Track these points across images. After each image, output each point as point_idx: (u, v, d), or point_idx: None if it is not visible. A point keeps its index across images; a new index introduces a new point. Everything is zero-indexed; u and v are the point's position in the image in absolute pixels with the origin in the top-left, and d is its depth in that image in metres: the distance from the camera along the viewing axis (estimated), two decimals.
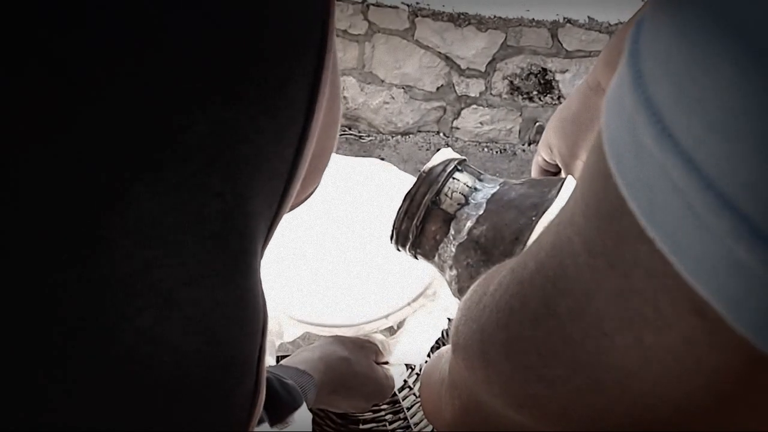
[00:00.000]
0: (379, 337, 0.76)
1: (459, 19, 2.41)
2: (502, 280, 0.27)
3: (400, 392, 0.81)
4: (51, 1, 0.16)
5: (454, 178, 0.55)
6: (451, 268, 0.55)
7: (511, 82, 2.47)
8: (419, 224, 0.55)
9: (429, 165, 0.56)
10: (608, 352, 0.20)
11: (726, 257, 0.15)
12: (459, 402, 0.34)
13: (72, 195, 0.17)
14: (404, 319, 0.75)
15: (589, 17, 2.30)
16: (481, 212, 0.53)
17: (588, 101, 0.58)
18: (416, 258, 0.59)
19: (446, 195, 0.54)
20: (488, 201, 0.54)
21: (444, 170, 0.55)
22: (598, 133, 0.19)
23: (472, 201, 0.54)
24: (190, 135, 0.18)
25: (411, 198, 0.55)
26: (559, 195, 0.51)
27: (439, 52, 2.50)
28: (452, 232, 0.54)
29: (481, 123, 2.58)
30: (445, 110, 2.60)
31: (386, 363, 0.77)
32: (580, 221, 0.20)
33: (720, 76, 0.14)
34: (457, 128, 2.62)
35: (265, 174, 0.21)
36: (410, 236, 0.56)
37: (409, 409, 0.81)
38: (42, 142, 0.16)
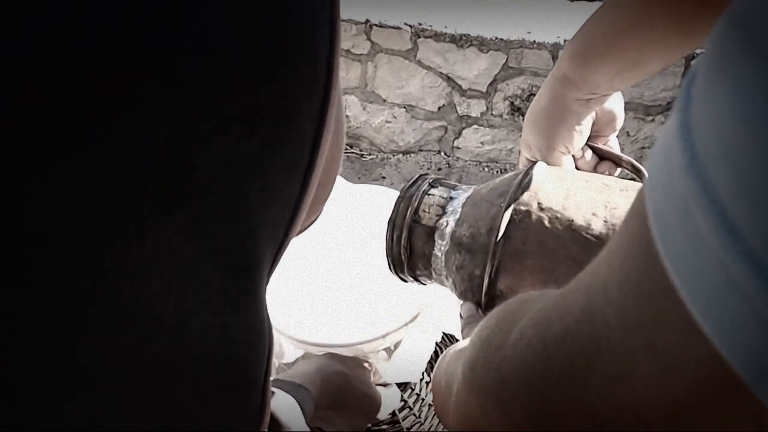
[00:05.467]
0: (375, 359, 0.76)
1: (461, 41, 2.43)
2: (524, 332, 0.26)
3: (400, 412, 0.81)
4: (63, 36, 0.16)
5: (428, 194, 0.57)
6: (446, 277, 0.56)
7: (512, 102, 2.49)
8: (407, 245, 0.56)
9: (403, 189, 0.58)
10: None
11: None
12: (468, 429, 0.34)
13: (91, 224, 0.18)
14: (401, 340, 0.75)
15: None
16: (458, 216, 0.55)
17: (556, 93, 0.58)
18: (419, 281, 0.60)
19: (424, 211, 0.56)
20: (464, 205, 0.55)
21: (418, 189, 0.57)
22: (638, 199, 0.18)
23: (450, 209, 0.56)
24: (208, 167, 0.19)
25: (393, 223, 0.57)
26: (529, 179, 0.52)
27: (441, 73, 2.52)
28: (437, 243, 0.55)
29: (481, 143, 2.59)
30: (446, 130, 2.62)
31: (383, 385, 0.77)
32: (615, 294, 0.19)
33: None
34: (458, 148, 2.63)
35: (274, 204, 0.22)
36: (403, 260, 0.57)
37: (409, 429, 0.81)
38: (59, 172, 0.17)
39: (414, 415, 0.82)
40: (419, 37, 2.47)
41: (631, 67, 0.53)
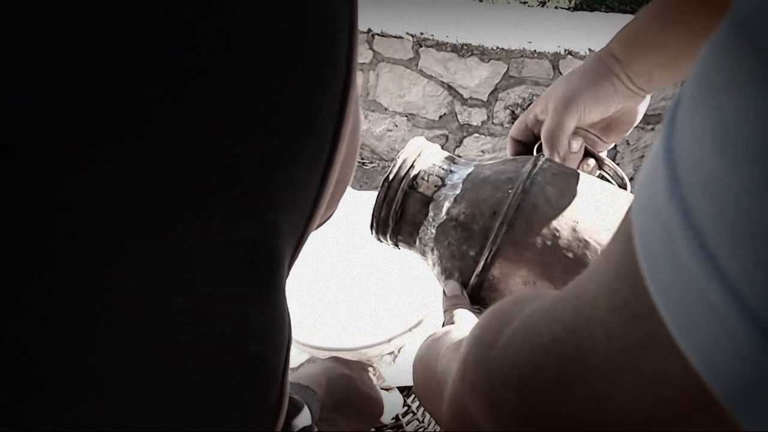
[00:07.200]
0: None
1: (462, 50, 2.44)
2: (515, 335, 0.27)
3: (403, 417, 0.81)
4: (92, 38, 0.17)
5: (429, 162, 0.56)
6: (432, 250, 0.55)
7: (513, 111, 2.50)
8: (398, 209, 0.55)
9: (403, 152, 0.57)
10: None
11: None
12: (459, 420, 0.35)
13: (119, 219, 0.18)
14: (405, 344, 0.75)
15: (589, 49, 2.34)
16: (458, 192, 0.54)
17: (597, 65, 0.58)
18: (397, 246, 0.59)
19: (423, 179, 0.55)
20: (464, 181, 0.54)
21: (419, 155, 0.56)
22: (625, 218, 0.19)
23: (449, 182, 0.55)
24: (232, 165, 0.20)
25: (388, 185, 0.56)
26: (537, 170, 0.52)
27: (443, 82, 2.53)
28: (431, 214, 0.55)
29: (482, 151, 2.60)
30: (447, 138, 2.63)
31: (387, 389, 0.77)
32: (604, 310, 0.20)
33: None
34: (459, 156, 2.63)
35: (295, 199, 0.23)
36: (390, 223, 0.56)
37: None
38: (89, 169, 0.18)
39: (417, 419, 0.82)
40: (421, 46, 2.48)
41: (673, 61, 0.55)
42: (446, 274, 0.54)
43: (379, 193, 0.56)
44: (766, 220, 0.13)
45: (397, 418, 0.80)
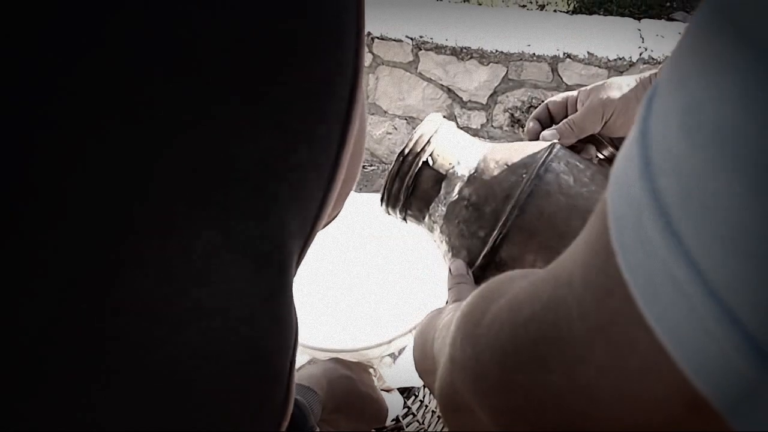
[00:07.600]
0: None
1: (461, 53, 2.45)
2: (499, 314, 0.27)
3: (403, 419, 0.81)
4: (97, 39, 0.17)
5: (445, 139, 0.56)
6: (441, 227, 0.55)
7: (512, 114, 2.50)
8: (411, 184, 0.55)
9: (420, 127, 0.57)
10: (596, 417, 0.21)
11: (726, 364, 0.14)
12: (450, 400, 0.35)
13: (126, 217, 0.19)
14: (405, 346, 0.76)
15: (588, 52, 2.34)
16: (471, 172, 0.54)
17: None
18: (405, 220, 0.59)
19: (438, 155, 0.55)
20: (480, 161, 0.54)
21: (436, 132, 0.56)
22: (603, 201, 0.19)
23: (464, 161, 0.55)
24: (242, 164, 0.20)
25: (403, 158, 0.55)
26: (553, 157, 0.52)
27: (442, 85, 2.53)
28: (443, 191, 0.54)
29: None
30: None
31: (387, 390, 0.78)
32: (579, 287, 0.21)
33: (734, 194, 0.13)
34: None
35: (302, 198, 0.23)
36: (401, 197, 0.56)
37: None
38: (96, 168, 0.18)
39: (417, 421, 0.82)
40: (420, 49, 2.48)
41: None
42: (453, 252, 0.54)
43: (392, 167, 0.56)
44: (724, 198, 0.14)
45: (397, 419, 0.80)
